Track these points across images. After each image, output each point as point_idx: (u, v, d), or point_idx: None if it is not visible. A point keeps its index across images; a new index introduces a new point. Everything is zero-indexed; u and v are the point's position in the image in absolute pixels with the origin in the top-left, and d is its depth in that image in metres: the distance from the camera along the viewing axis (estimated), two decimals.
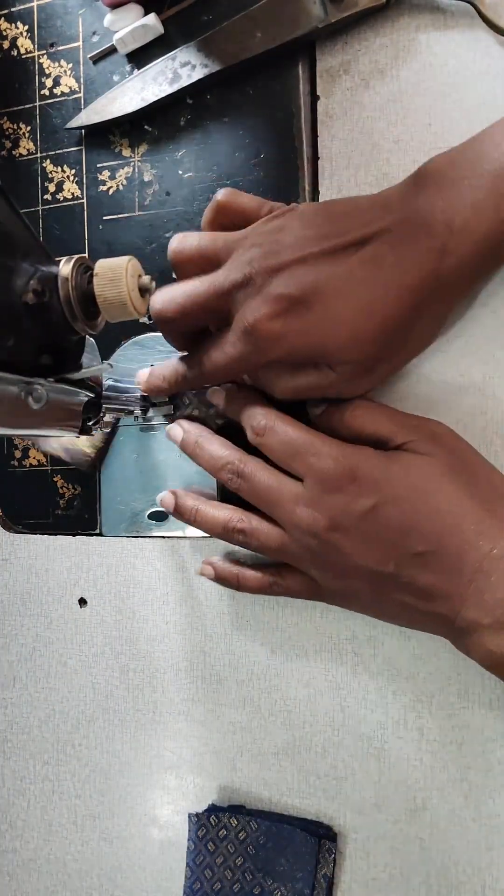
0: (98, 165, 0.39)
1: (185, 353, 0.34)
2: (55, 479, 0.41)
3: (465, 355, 0.34)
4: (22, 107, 0.41)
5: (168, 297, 0.31)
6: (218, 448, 0.33)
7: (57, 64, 0.40)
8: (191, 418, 0.36)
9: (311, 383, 0.30)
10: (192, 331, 0.33)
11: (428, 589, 0.28)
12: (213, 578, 0.35)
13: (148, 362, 0.39)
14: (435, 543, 0.28)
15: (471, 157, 0.28)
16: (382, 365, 0.30)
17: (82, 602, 0.41)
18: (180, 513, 0.35)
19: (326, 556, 0.29)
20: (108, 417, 0.35)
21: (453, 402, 0.34)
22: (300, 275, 0.28)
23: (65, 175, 0.40)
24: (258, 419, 0.31)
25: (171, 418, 0.37)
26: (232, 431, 0.34)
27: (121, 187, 0.39)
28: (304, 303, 0.28)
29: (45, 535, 0.41)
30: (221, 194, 0.32)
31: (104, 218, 0.39)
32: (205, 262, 0.31)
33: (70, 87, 0.40)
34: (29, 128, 0.41)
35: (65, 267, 0.26)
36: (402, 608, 0.30)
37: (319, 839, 0.35)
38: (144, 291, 0.28)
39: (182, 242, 0.31)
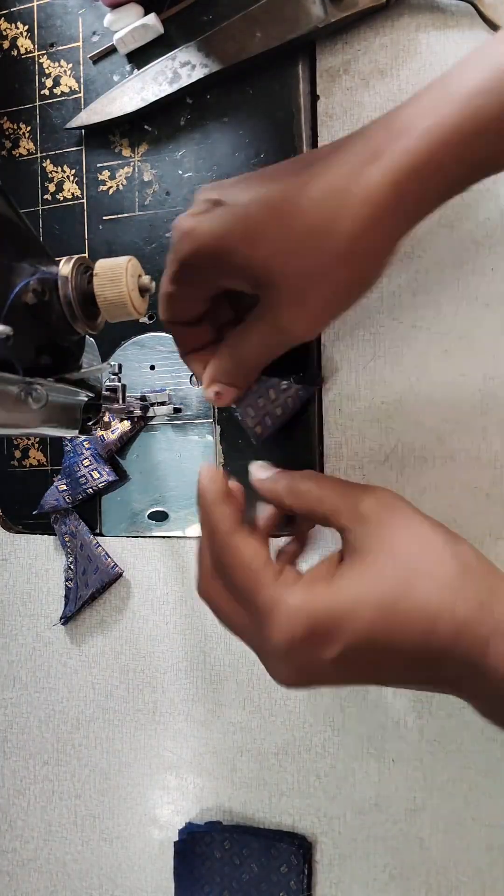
0: (98, 165, 0.39)
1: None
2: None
3: (465, 355, 0.34)
4: (22, 107, 0.41)
5: (161, 302, 0.30)
6: (220, 512, 0.29)
7: (57, 64, 0.40)
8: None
9: (259, 337, 0.29)
10: (195, 313, 0.31)
11: (419, 683, 0.25)
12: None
13: (148, 362, 0.39)
14: (422, 651, 0.24)
15: (418, 92, 0.26)
16: (312, 289, 0.27)
17: None
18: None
19: (292, 675, 0.26)
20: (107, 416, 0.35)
21: (453, 401, 0.34)
22: (237, 184, 0.28)
23: (65, 175, 0.40)
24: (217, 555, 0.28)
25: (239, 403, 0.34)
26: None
27: (121, 187, 0.39)
28: (225, 204, 0.27)
29: (45, 535, 0.41)
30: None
31: (104, 218, 0.39)
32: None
33: (70, 87, 0.40)
34: (29, 128, 0.41)
35: (65, 267, 0.26)
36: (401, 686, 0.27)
37: (297, 849, 0.36)
38: (144, 291, 0.28)
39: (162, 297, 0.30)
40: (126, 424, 0.39)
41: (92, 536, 0.40)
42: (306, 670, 0.25)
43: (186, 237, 0.27)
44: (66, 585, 0.40)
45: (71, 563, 0.40)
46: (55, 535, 0.41)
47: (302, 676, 0.25)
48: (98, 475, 0.39)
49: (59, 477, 0.40)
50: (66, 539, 0.40)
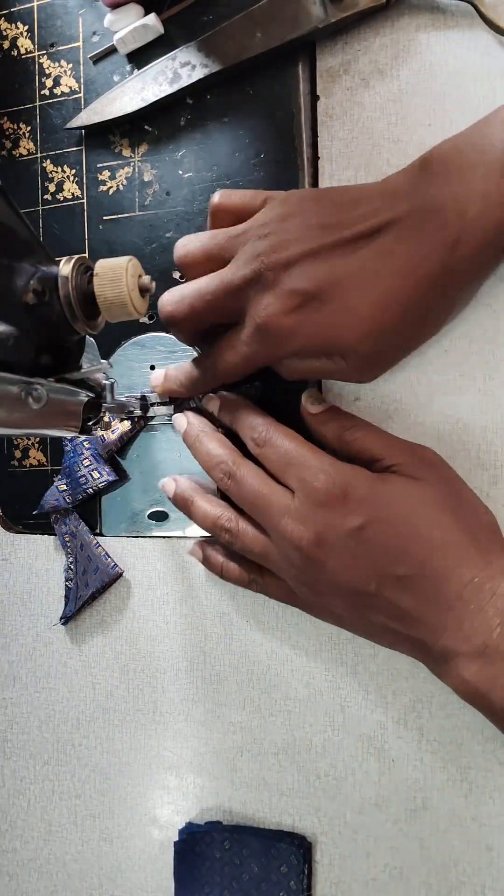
0: (98, 165, 0.39)
1: (197, 355, 0.34)
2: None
3: (466, 355, 0.34)
4: (22, 107, 0.41)
5: (177, 297, 0.31)
6: (215, 446, 0.33)
7: (57, 64, 0.40)
8: (199, 410, 0.36)
9: (321, 369, 0.30)
10: (203, 329, 0.33)
11: (407, 613, 0.28)
12: (200, 560, 0.36)
13: (148, 362, 0.39)
14: (418, 568, 0.28)
15: (477, 144, 0.27)
16: (393, 355, 0.30)
17: None
18: (176, 501, 0.35)
19: (307, 570, 0.29)
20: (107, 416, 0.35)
21: (454, 401, 0.34)
22: (312, 268, 0.28)
23: (65, 175, 0.40)
24: (258, 430, 0.31)
25: (178, 407, 0.37)
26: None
27: (121, 187, 0.39)
28: (318, 297, 0.28)
29: (45, 536, 0.41)
30: (215, 197, 0.32)
31: (104, 218, 0.39)
32: (211, 262, 0.31)
33: (70, 87, 0.40)
34: (29, 128, 0.41)
35: (65, 267, 0.26)
36: (380, 630, 0.30)
37: (297, 849, 0.36)
38: (144, 291, 0.28)
39: (185, 245, 0.31)
40: (126, 424, 0.39)
41: (92, 536, 0.40)
42: (324, 537, 0.28)
43: (288, 338, 0.28)
44: (66, 585, 0.40)
45: (71, 562, 0.40)
46: (55, 535, 0.41)
47: (319, 546, 0.29)
48: (98, 475, 0.39)
49: (59, 477, 0.40)
50: (67, 539, 0.40)
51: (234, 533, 0.32)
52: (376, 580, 0.28)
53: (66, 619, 0.40)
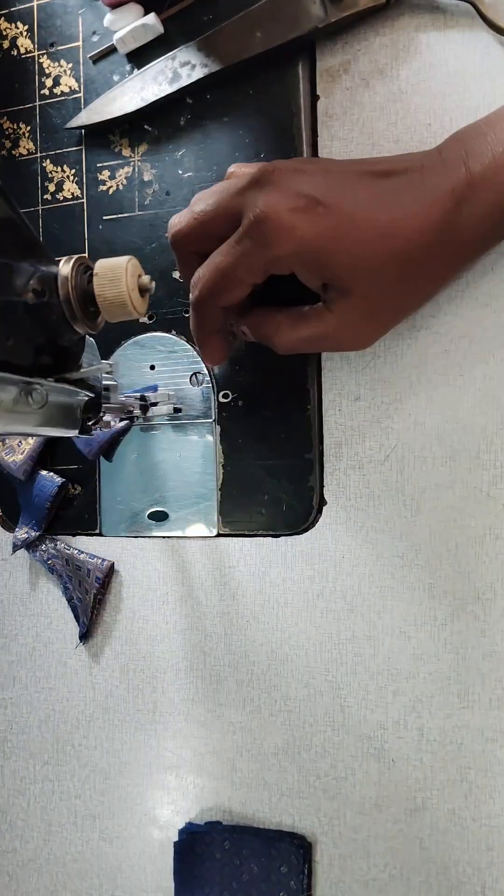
0: (98, 165, 0.39)
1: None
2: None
3: (465, 355, 0.34)
4: (22, 106, 0.41)
5: (183, 213, 0.31)
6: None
7: (57, 64, 0.40)
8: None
9: (313, 332, 0.30)
10: (206, 249, 0.31)
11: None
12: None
13: (148, 362, 0.39)
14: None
15: (494, 121, 0.29)
16: (385, 309, 0.29)
17: None
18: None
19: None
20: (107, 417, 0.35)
21: (453, 401, 0.34)
22: (323, 180, 0.28)
23: (65, 175, 0.40)
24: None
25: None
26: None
27: (121, 187, 0.39)
28: (323, 204, 0.27)
29: (45, 536, 0.41)
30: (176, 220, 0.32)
31: (104, 218, 0.39)
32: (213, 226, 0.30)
33: (70, 87, 0.40)
34: (29, 127, 0.41)
35: (65, 267, 0.26)
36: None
37: (297, 849, 0.36)
38: (144, 291, 0.28)
39: (179, 216, 0.31)
40: (29, 442, 0.40)
41: (71, 548, 0.40)
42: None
43: (286, 234, 0.27)
44: (70, 606, 0.40)
45: (65, 583, 0.40)
46: (46, 568, 0.41)
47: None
48: (48, 485, 0.40)
49: (20, 520, 0.41)
50: (50, 563, 0.40)
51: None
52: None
53: (84, 635, 0.40)
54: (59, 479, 0.39)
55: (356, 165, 0.29)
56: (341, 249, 0.27)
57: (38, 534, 0.40)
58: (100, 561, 0.39)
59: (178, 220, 0.31)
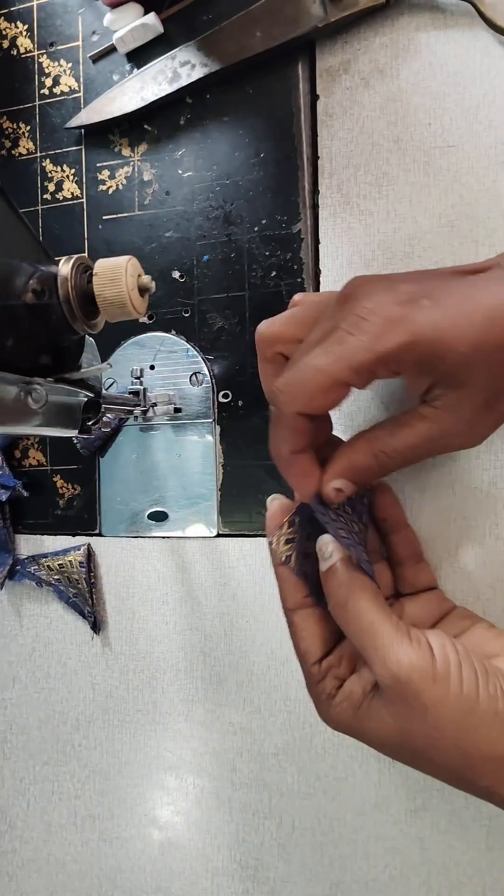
0: (98, 165, 0.39)
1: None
2: (55, 479, 0.41)
3: None
4: (22, 106, 0.41)
5: (278, 316, 0.29)
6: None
7: (56, 63, 0.40)
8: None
9: (420, 435, 0.27)
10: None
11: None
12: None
13: (148, 362, 0.39)
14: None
15: None
16: (500, 397, 0.26)
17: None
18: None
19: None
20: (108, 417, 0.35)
21: None
22: (419, 279, 0.26)
23: (64, 174, 0.40)
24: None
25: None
26: None
27: (120, 187, 0.39)
28: (429, 297, 0.25)
29: (45, 535, 0.41)
30: (260, 328, 0.29)
31: (104, 217, 0.39)
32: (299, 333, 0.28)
33: (70, 87, 0.40)
34: (28, 127, 0.41)
35: (64, 267, 0.26)
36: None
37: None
38: (144, 291, 0.28)
39: (272, 319, 0.29)
40: None
41: (48, 555, 0.41)
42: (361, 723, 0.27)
43: (398, 327, 0.25)
44: (70, 605, 0.40)
45: (57, 588, 0.40)
46: (34, 582, 0.41)
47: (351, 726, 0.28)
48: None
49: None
50: (37, 578, 0.41)
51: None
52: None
53: (95, 625, 0.40)
54: (11, 482, 0.40)
55: (441, 271, 0.27)
56: (457, 337, 0.25)
57: (9, 565, 0.41)
58: (75, 549, 0.40)
59: (271, 320, 0.29)
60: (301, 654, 0.29)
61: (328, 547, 0.28)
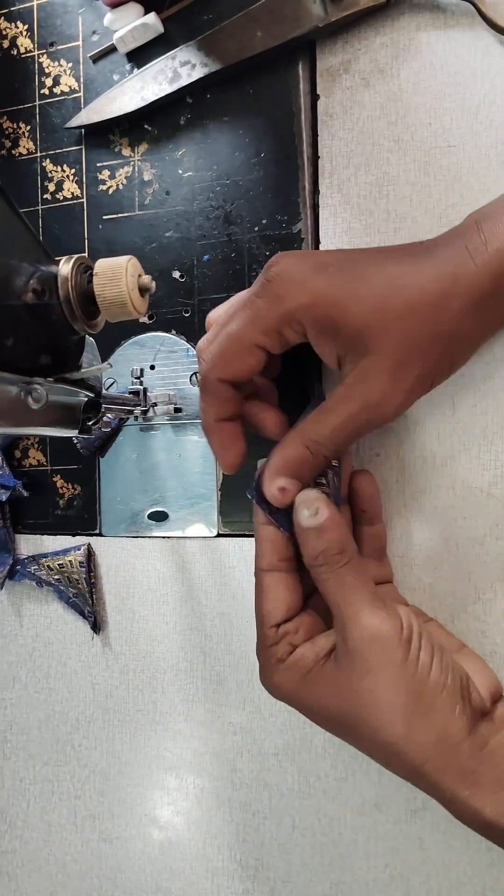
0: (98, 165, 0.39)
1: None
2: (55, 478, 0.41)
3: None
4: (22, 106, 0.41)
5: (208, 338, 0.30)
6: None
7: (57, 63, 0.40)
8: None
9: (340, 416, 0.28)
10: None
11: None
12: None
13: (148, 362, 0.39)
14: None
15: None
16: (410, 365, 0.27)
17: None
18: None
19: None
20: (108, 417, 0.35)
21: (453, 402, 0.34)
22: (334, 253, 0.28)
23: (64, 174, 0.40)
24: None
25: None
26: None
27: (120, 187, 0.39)
28: (335, 265, 0.27)
29: (45, 535, 0.41)
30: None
31: (104, 217, 0.39)
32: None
33: (70, 87, 0.40)
34: (29, 127, 0.41)
35: (64, 266, 0.26)
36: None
37: None
38: (144, 291, 0.28)
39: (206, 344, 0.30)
40: None
41: (48, 555, 0.40)
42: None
43: (299, 288, 0.26)
44: (70, 605, 0.40)
45: (57, 588, 0.40)
46: (35, 582, 0.41)
47: (295, 695, 0.29)
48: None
49: None
50: (38, 582, 0.41)
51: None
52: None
53: (95, 624, 0.40)
54: (11, 482, 0.40)
55: (368, 249, 0.29)
56: (353, 300, 0.26)
57: (9, 565, 0.41)
58: (75, 549, 0.40)
59: (205, 347, 0.29)
60: (262, 614, 0.30)
61: (313, 504, 0.28)
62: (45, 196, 0.41)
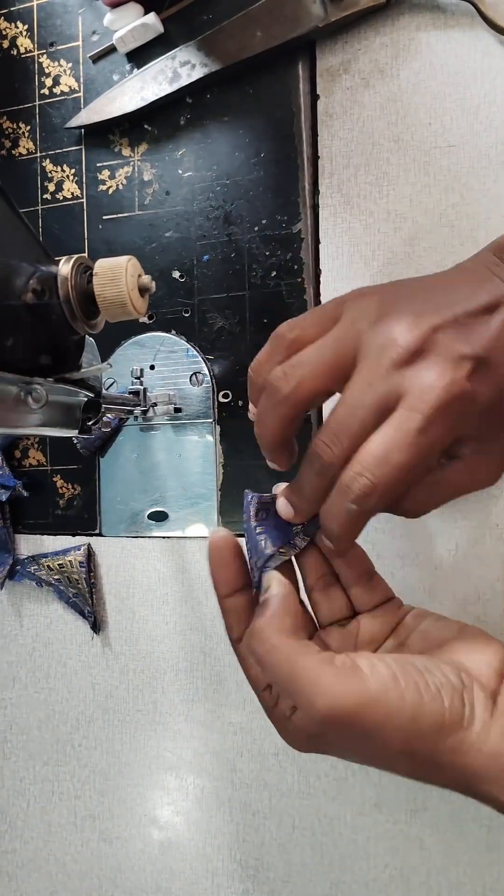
0: (98, 165, 0.39)
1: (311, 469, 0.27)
2: (55, 479, 0.41)
3: None
4: (22, 106, 0.41)
5: (290, 367, 0.27)
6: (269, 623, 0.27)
7: (57, 63, 0.40)
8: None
9: (453, 490, 0.27)
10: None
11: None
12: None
13: (148, 362, 0.39)
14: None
15: None
16: None
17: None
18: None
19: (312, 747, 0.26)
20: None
21: None
22: (466, 334, 0.25)
23: (64, 174, 0.40)
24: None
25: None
26: None
27: (120, 187, 0.39)
28: (485, 361, 0.25)
29: (45, 535, 0.41)
30: (281, 330, 0.28)
31: (104, 217, 0.39)
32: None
33: (70, 87, 0.40)
34: (29, 127, 0.41)
35: (64, 267, 0.26)
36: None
37: None
38: (144, 291, 0.28)
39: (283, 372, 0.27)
40: None
41: (48, 555, 0.41)
42: (321, 746, 0.25)
43: (472, 405, 0.25)
44: (70, 605, 0.40)
45: (57, 588, 0.40)
46: (35, 582, 0.41)
47: (314, 748, 0.26)
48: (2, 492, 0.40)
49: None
50: (38, 582, 0.41)
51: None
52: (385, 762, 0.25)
53: (95, 625, 0.40)
54: (12, 481, 0.40)
55: (461, 306, 0.26)
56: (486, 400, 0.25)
57: (9, 565, 0.41)
58: (75, 549, 0.40)
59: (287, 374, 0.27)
60: (251, 681, 0.28)
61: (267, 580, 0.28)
62: (45, 196, 0.41)
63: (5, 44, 0.41)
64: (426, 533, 0.34)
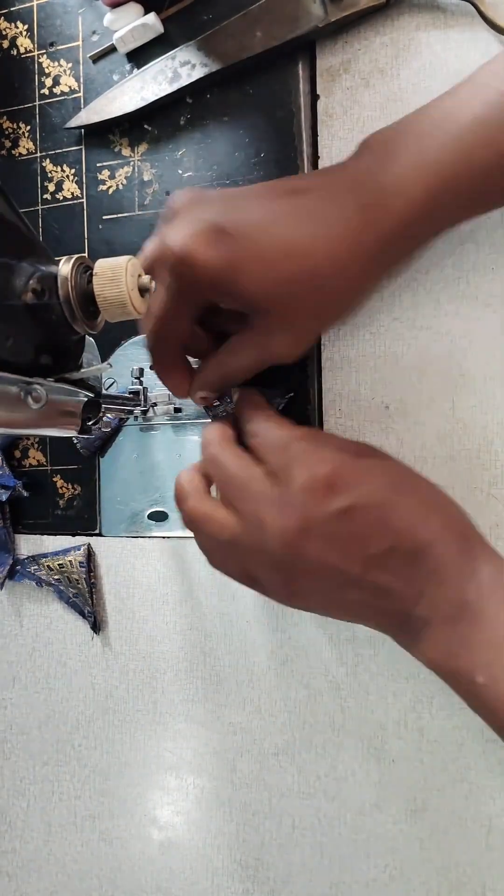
0: (98, 165, 0.39)
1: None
2: (55, 479, 0.41)
3: (465, 355, 0.34)
4: (21, 106, 0.41)
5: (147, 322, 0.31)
6: (210, 430, 0.32)
7: (56, 63, 0.40)
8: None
9: (251, 356, 0.31)
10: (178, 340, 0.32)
11: (388, 587, 0.27)
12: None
13: (148, 362, 0.39)
14: (402, 541, 0.27)
15: (409, 127, 0.29)
16: (303, 321, 0.30)
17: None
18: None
19: (285, 558, 0.28)
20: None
21: (454, 402, 0.34)
22: (226, 205, 0.29)
23: (64, 174, 0.40)
24: (251, 424, 0.31)
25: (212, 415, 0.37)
26: None
27: (120, 187, 0.39)
28: (226, 231, 0.28)
29: (45, 535, 0.41)
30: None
31: (104, 217, 0.39)
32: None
33: (70, 87, 0.40)
34: (28, 127, 0.41)
35: (64, 266, 0.26)
36: (356, 606, 0.28)
37: None
38: (144, 291, 0.28)
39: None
40: None
41: (47, 555, 0.40)
42: (309, 523, 0.27)
43: (193, 264, 0.28)
44: (70, 605, 0.40)
45: (57, 588, 0.40)
46: (35, 582, 0.41)
47: (302, 532, 0.27)
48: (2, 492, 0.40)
49: None
50: (37, 578, 0.41)
51: (197, 515, 0.31)
52: (362, 561, 0.27)
53: (95, 625, 0.40)
54: (12, 481, 0.40)
55: (266, 187, 0.30)
56: (246, 271, 0.28)
57: (9, 565, 0.41)
58: (75, 549, 0.40)
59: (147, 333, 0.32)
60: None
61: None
62: (45, 196, 0.41)
63: (5, 44, 0.41)
64: None
